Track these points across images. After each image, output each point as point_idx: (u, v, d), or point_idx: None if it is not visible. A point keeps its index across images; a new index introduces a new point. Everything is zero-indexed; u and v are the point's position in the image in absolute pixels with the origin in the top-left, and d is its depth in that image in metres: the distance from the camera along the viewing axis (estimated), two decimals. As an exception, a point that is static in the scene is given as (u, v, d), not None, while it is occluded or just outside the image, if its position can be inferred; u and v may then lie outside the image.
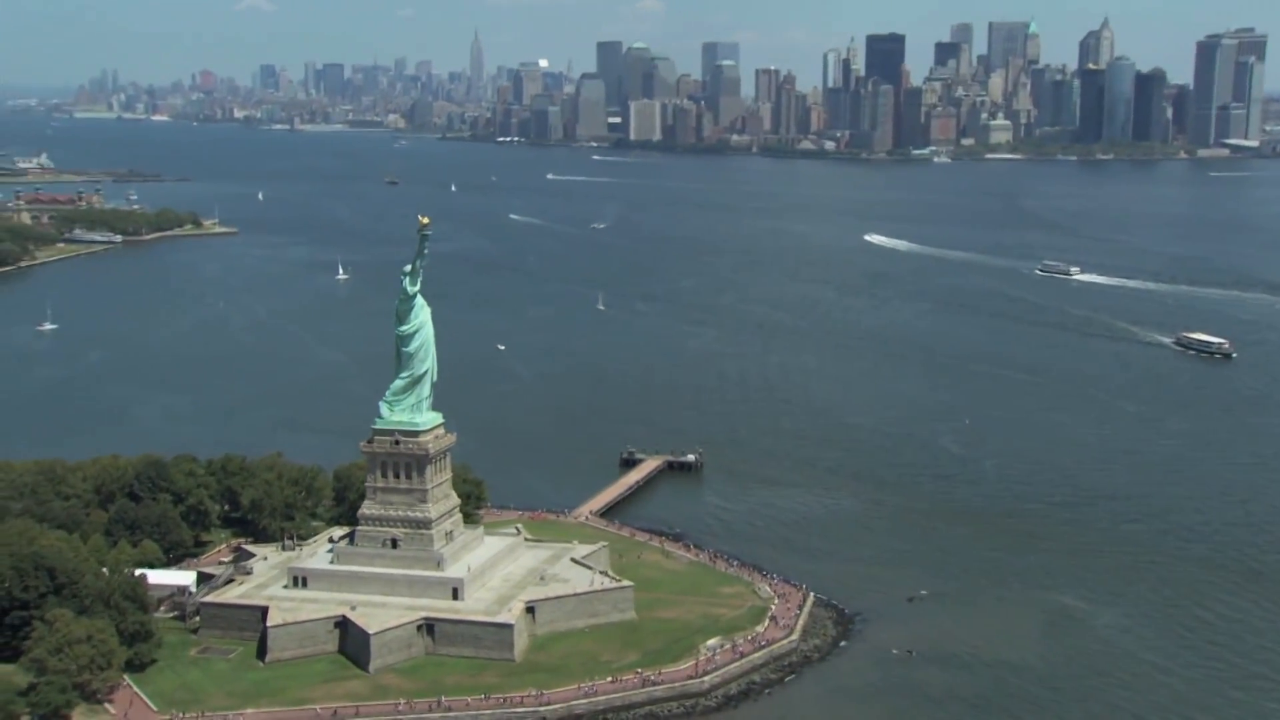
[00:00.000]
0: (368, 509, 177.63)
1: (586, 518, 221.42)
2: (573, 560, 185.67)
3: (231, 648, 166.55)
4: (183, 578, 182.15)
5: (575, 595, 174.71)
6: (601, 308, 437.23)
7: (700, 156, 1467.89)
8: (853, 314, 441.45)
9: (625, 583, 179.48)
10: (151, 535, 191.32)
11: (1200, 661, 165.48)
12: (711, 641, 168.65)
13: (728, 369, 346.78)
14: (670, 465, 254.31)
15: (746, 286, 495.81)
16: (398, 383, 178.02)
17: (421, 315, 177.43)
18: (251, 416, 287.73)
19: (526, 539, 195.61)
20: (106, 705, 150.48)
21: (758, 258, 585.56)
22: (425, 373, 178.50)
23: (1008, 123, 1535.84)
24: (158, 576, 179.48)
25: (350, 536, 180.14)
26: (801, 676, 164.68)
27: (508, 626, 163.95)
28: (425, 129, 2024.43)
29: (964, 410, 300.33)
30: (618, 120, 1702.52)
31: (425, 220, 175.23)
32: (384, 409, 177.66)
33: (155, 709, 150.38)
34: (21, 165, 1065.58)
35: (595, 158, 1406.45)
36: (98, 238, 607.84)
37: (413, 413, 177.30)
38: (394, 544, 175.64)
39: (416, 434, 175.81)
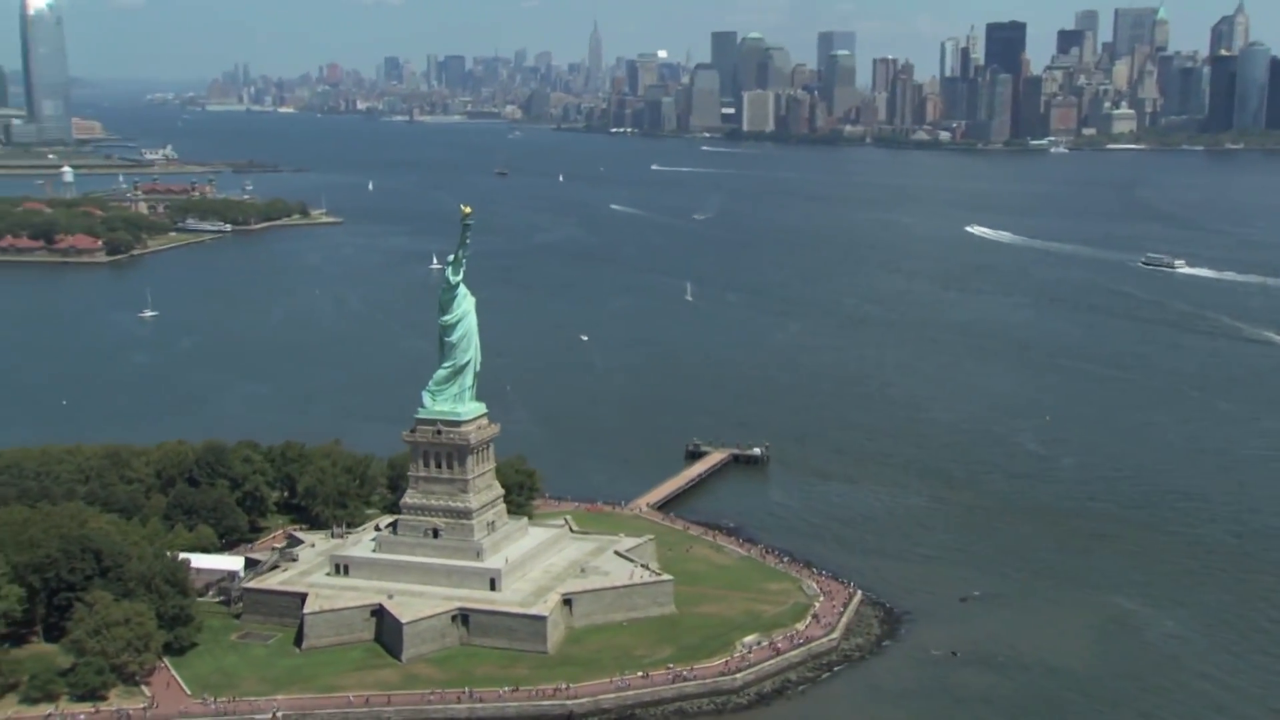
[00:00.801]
0: (410, 498, 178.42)
1: (642, 510, 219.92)
2: (616, 553, 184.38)
3: (271, 633, 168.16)
4: (231, 563, 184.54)
5: (613, 588, 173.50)
6: (690, 299, 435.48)
7: (813, 147, 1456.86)
8: (944, 307, 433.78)
9: (665, 577, 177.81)
10: (208, 520, 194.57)
11: (1248, 670, 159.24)
12: (748, 638, 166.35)
13: (808, 362, 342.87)
14: (736, 458, 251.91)
15: (840, 278, 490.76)
16: (440, 372, 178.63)
17: (464, 305, 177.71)
18: (326, 404, 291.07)
19: (573, 531, 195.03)
20: (143, 687, 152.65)
21: (857, 249, 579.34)
22: (468, 363, 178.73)
23: (1131, 112, 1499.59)
24: (206, 561, 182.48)
25: (394, 525, 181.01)
26: (838, 676, 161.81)
27: (541, 618, 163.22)
28: (541, 120, 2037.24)
29: (1048, 407, 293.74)
30: (731, 111, 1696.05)
31: (467, 210, 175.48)
32: (426, 399, 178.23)
33: (189, 692, 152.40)
34: (149, 157, 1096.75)
35: (705, 148, 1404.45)
36: (208, 227, 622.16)
37: (455, 403, 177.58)
38: (435, 534, 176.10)
39: (458, 424, 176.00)
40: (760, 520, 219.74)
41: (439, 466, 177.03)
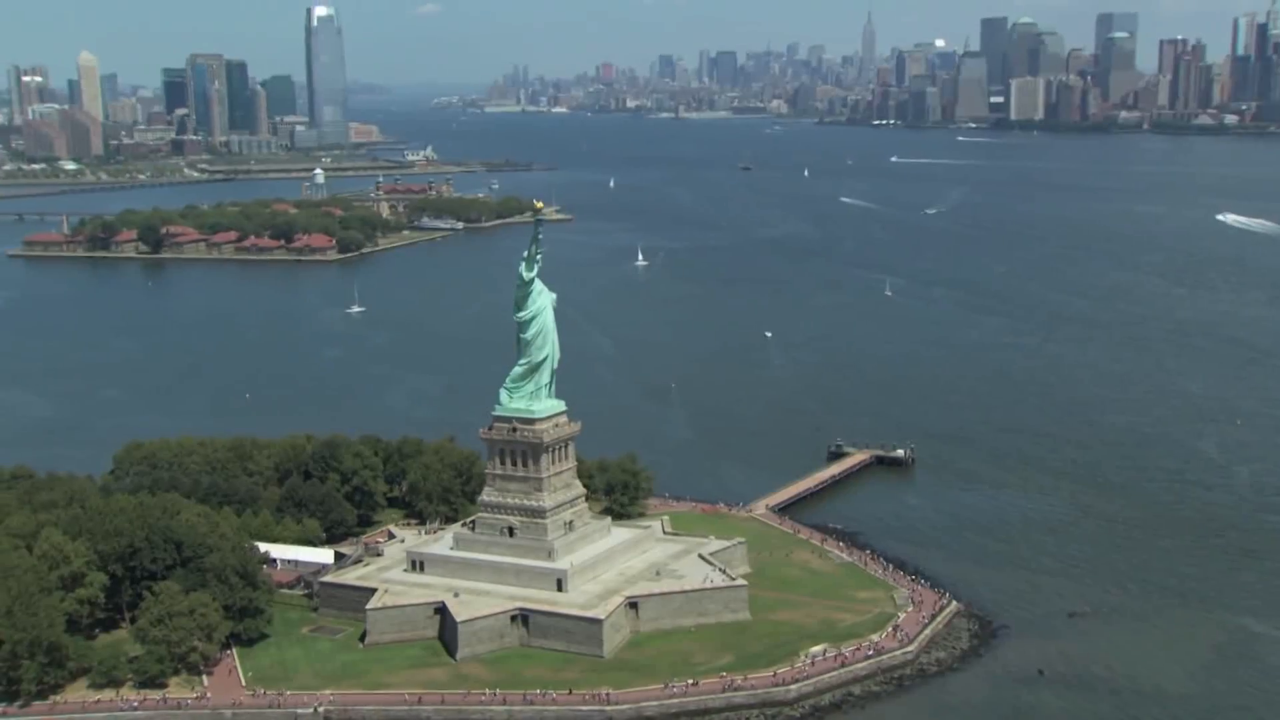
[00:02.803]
0: (487, 496, 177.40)
1: (760, 512, 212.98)
2: (700, 556, 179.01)
3: (343, 627, 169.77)
4: (322, 556, 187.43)
5: (682, 593, 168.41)
6: (889, 294, 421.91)
7: (1084, 135, 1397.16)
8: (1168, 303, 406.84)
9: (739, 582, 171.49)
10: (315, 514, 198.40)
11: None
12: (815, 648, 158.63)
13: (994, 360, 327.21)
14: (879, 460, 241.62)
15: (1061, 273, 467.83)
16: (516, 370, 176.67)
17: (539, 301, 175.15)
18: (479, 399, 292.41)
19: (665, 532, 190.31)
20: (204, 676, 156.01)
21: (1090, 241, 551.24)
22: (544, 360, 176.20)
23: None
24: (296, 554, 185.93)
25: (472, 523, 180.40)
26: (906, 690, 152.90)
27: (597, 621, 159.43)
28: (806, 114, 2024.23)
29: (1244, 411, 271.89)
30: (1000, 100, 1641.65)
31: (540, 205, 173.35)
32: (503, 396, 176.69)
33: (244, 683, 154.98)
34: (409, 158, 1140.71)
35: (960, 139, 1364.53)
36: (441, 225, 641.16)
37: (530, 400, 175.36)
38: (510, 532, 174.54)
39: (533, 422, 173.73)
40: (885, 525, 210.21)
41: (514, 464, 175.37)
